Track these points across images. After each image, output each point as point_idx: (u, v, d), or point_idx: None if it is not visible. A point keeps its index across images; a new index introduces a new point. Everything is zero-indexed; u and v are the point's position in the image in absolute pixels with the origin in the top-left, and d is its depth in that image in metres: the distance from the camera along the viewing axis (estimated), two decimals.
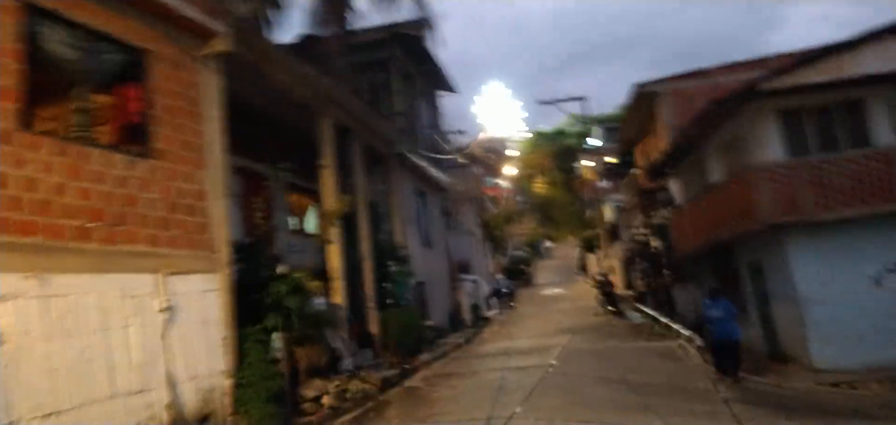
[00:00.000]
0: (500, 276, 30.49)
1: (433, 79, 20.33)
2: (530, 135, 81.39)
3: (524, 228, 62.46)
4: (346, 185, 13.43)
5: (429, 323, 16.02)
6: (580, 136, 38.77)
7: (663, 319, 16.72)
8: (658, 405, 8.77)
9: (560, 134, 72.74)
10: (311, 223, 14.52)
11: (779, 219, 12.49)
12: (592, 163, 49.62)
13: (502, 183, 64.91)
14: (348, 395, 9.67)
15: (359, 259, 13.19)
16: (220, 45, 8.74)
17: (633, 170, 27.64)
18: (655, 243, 21.49)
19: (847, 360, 12.02)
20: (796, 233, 12.72)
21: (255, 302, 9.14)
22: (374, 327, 12.87)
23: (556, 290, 32.21)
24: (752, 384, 10.88)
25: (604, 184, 47.12)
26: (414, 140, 18.18)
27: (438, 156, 20.60)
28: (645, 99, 22.55)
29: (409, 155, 16.30)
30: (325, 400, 9.26)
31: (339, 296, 11.74)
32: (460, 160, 29.96)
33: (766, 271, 13.92)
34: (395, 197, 15.77)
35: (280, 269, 9.65)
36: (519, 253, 48.05)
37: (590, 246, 40.67)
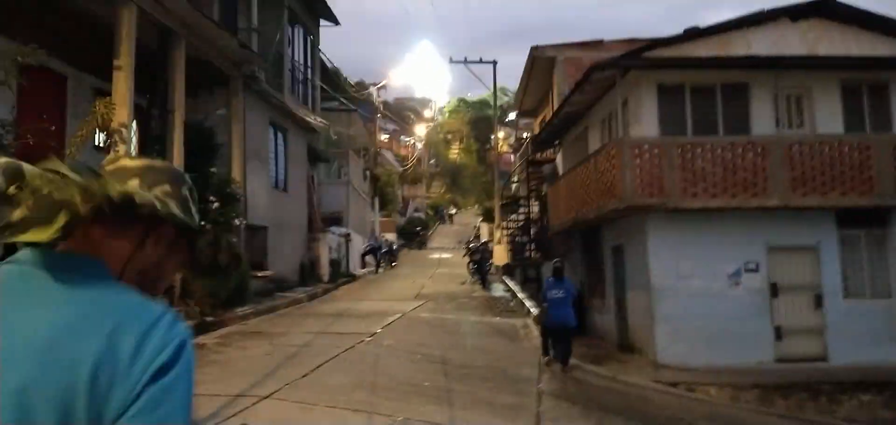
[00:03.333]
0: (388, 235, 28.88)
1: (311, 3, 18.15)
2: (453, 101, 79.89)
3: (431, 192, 61.17)
4: (163, 99, 11.36)
5: (264, 273, 14.18)
6: (501, 109, 37.56)
7: (520, 295, 15.63)
8: (460, 393, 7.45)
9: (483, 104, 71.76)
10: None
11: (641, 201, 11.41)
12: (507, 136, 48.80)
13: (416, 142, 63.34)
14: None
15: None
16: None
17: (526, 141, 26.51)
18: (538, 217, 20.47)
19: (693, 359, 11.18)
20: (658, 218, 11.70)
21: None
22: None
23: (444, 255, 31.04)
24: (583, 375, 9.77)
25: (515, 158, 46.40)
26: (279, 67, 16.07)
27: (313, 91, 18.54)
28: (542, 65, 21.38)
29: (260, 81, 14.19)
30: None
31: None
32: (362, 109, 27.97)
33: (627, 256, 12.94)
34: (236, 126, 13.70)
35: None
36: (419, 214, 46.61)
37: (489, 216, 39.73)
